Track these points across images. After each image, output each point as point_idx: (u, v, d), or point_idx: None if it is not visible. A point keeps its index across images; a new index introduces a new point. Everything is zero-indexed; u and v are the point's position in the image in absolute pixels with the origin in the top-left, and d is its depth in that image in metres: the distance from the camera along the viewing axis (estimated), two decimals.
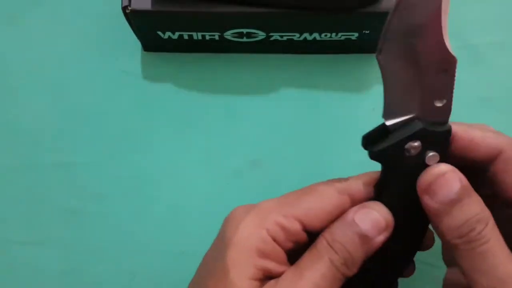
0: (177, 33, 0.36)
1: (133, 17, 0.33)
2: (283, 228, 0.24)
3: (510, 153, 0.25)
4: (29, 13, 0.39)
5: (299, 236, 0.24)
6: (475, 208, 0.23)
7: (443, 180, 0.23)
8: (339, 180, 0.26)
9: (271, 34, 0.35)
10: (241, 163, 0.36)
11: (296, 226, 0.24)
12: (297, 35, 0.36)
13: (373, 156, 0.24)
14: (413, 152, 0.23)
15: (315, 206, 0.25)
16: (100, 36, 0.39)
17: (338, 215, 0.24)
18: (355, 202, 0.25)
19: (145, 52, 0.38)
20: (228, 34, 0.35)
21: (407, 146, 0.23)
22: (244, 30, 0.35)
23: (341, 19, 0.34)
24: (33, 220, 0.35)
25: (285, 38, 0.36)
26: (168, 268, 0.34)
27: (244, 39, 0.36)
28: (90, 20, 0.39)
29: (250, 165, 0.36)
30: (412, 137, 0.23)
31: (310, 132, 0.37)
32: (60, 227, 0.35)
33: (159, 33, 0.35)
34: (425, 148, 0.23)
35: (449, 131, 0.24)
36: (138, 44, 0.38)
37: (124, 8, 0.33)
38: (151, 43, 0.38)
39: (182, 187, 0.36)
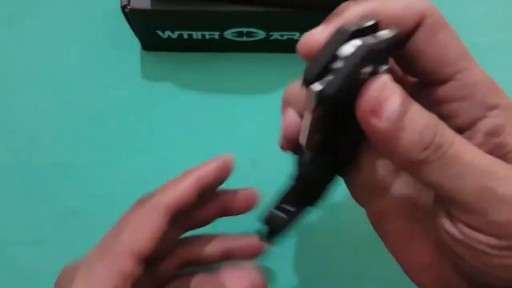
0: (176, 32, 0.35)
1: (132, 16, 0.33)
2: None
3: (434, 18, 0.21)
4: (27, 13, 0.39)
5: (138, 273, 0.24)
6: (424, 113, 0.19)
7: (384, 93, 0.19)
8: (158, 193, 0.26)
9: (271, 33, 0.35)
10: (241, 163, 0.36)
11: (131, 272, 0.24)
12: (298, 34, 0.36)
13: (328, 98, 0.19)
14: (365, 75, 0.19)
15: (138, 239, 0.24)
16: (99, 35, 0.39)
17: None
18: None
19: (144, 52, 0.38)
20: (228, 33, 0.35)
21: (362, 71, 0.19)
22: (244, 29, 0.35)
23: None
24: (32, 220, 0.35)
25: (285, 37, 0.36)
26: None
27: (244, 38, 0.36)
28: (89, 19, 0.39)
29: (250, 165, 0.36)
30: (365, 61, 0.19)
31: None
32: (60, 228, 0.35)
33: (159, 32, 0.35)
34: (376, 64, 0.20)
35: (392, 36, 0.20)
36: (137, 43, 0.38)
37: (123, 7, 0.33)
38: (151, 42, 0.38)
39: None
